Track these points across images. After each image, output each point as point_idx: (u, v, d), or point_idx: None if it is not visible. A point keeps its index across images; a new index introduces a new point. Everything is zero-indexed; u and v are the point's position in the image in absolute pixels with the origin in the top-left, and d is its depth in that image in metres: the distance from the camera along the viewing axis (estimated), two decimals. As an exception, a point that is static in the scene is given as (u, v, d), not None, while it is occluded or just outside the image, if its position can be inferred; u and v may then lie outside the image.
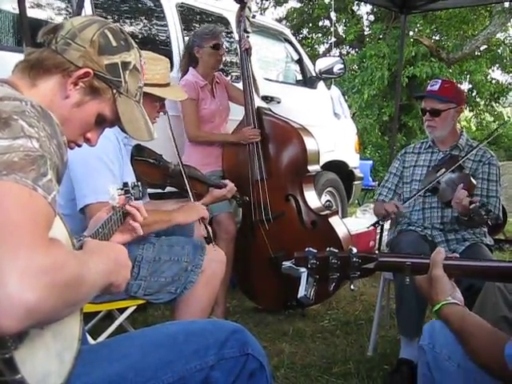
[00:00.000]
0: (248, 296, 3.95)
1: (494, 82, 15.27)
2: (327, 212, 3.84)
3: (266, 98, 4.57)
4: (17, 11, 3.13)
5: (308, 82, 5.49)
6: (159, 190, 2.94)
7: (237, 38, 3.93)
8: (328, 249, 1.43)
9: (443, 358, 1.50)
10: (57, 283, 0.91)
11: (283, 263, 1.44)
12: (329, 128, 5.44)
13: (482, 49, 14.60)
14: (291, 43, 5.56)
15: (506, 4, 12.20)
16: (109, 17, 3.70)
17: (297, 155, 3.72)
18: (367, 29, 16.19)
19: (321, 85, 5.60)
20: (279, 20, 15.94)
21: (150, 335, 1.46)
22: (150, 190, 2.89)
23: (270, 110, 3.91)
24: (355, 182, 6.04)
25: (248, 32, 3.75)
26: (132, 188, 1.58)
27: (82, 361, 1.23)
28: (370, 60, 13.29)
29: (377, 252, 1.48)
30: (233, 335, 1.45)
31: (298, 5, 17.00)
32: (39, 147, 1.04)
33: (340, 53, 16.23)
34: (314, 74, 5.34)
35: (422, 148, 3.30)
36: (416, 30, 14.17)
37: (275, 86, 5.01)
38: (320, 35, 16.94)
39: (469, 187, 2.88)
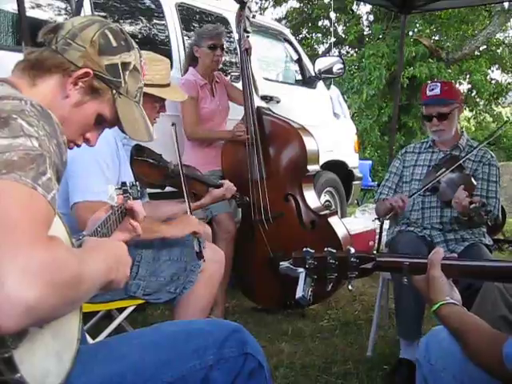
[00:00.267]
0: (247, 296, 3.96)
1: (493, 82, 15.27)
2: (326, 212, 3.84)
3: (265, 98, 4.57)
4: (16, 11, 3.13)
5: (307, 81, 5.49)
6: (159, 190, 2.94)
7: (237, 37, 3.93)
8: (326, 249, 1.43)
9: (438, 369, 1.50)
10: (56, 281, 0.91)
11: (281, 263, 1.44)
12: (328, 128, 5.44)
13: (481, 49, 14.61)
14: (291, 43, 5.56)
15: (506, 4, 12.21)
16: (108, 17, 3.70)
17: (296, 155, 3.73)
18: (367, 29, 16.20)
19: (320, 85, 5.60)
20: (279, 20, 15.93)
21: (149, 335, 1.47)
22: (149, 190, 2.89)
23: (270, 110, 3.91)
24: (354, 182, 6.04)
25: (248, 32, 3.75)
26: (130, 187, 1.58)
27: (81, 360, 1.24)
28: (368, 59, 13.29)
29: (375, 252, 1.49)
30: (232, 335, 1.45)
31: (298, 5, 17.02)
32: (39, 146, 1.04)
33: (339, 53, 16.24)
34: (314, 74, 5.34)
35: (422, 148, 3.30)
36: (416, 30, 14.17)
37: (275, 86, 5.02)
38: (319, 35, 16.94)
39: (469, 187, 2.88)
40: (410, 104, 13.27)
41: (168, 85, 2.57)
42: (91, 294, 1.07)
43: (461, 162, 3.05)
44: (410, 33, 13.68)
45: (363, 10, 16.79)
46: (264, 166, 3.67)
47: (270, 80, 5.10)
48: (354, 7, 15.66)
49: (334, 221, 3.74)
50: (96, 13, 3.52)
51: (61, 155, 1.13)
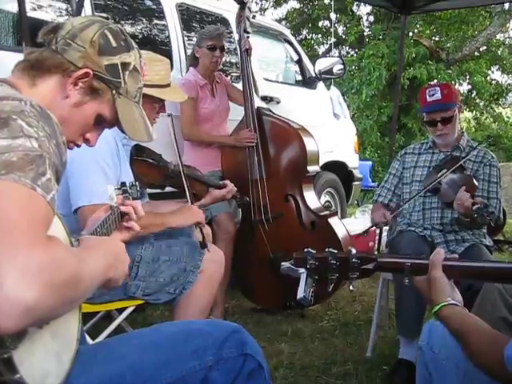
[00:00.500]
0: (247, 296, 3.95)
1: (493, 83, 15.27)
2: (326, 212, 3.84)
3: (265, 99, 4.57)
4: (17, 11, 3.13)
5: (307, 82, 5.49)
6: (159, 191, 2.94)
7: (237, 38, 3.93)
8: (327, 249, 1.43)
9: (441, 358, 1.51)
10: (55, 281, 0.91)
11: (282, 264, 1.44)
12: (328, 128, 5.44)
13: (481, 50, 14.61)
14: (291, 43, 5.56)
15: (506, 5, 12.22)
16: (109, 17, 3.70)
17: (296, 155, 3.73)
18: (367, 29, 16.20)
19: (320, 85, 5.60)
20: (279, 20, 15.93)
21: (148, 335, 1.47)
22: (149, 190, 2.89)
23: (270, 111, 3.91)
24: (354, 183, 6.04)
25: (248, 32, 3.75)
26: (130, 188, 1.58)
27: (81, 361, 1.24)
28: (368, 60, 13.30)
29: (376, 253, 1.49)
30: (231, 335, 1.45)
31: (298, 5, 17.02)
32: (38, 147, 1.04)
33: (339, 53, 16.24)
34: (314, 75, 5.34)
35: (422, 149, 3.29)
36: (416, 30, 14.18)
37: (275, 87, 5.02)
38: (320, 36, 16.94)
39: (470, 188, 2.88)
40: (409, 105, 13.28)
41: (168, 85, 2.56)
42: (90, 292, 1.07)
43: (461, 162, 3.04)
44: (410, 33, 13.69)
45: (363, 10, 16.80)
46: (264, 167, 3.67)
47: (270, 80, 5.10)
48: (355, 8, 15.67)
49: (334, 221, 3.74)
50: (96, 13, 3.52)
51: (60, 156, 1.12)
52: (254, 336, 1.53)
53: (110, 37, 1.35)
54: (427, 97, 3.09)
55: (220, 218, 3.67)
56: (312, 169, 3.81)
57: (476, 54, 14.45)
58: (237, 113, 3.88)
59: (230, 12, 4.47)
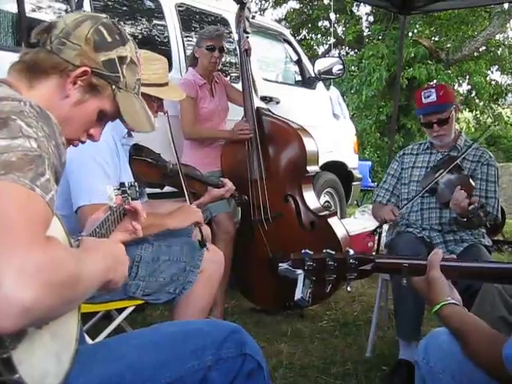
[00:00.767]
0: (246, 296, 3.96)
1: (493, 83, 15.27)
2: (326, 213, 3.85)
3: (264, 99, 4.57)
4: (16, 11, 3.13)
5: (307, 82, 5.49)
6: (159, 190, 2.94)
7: (236, 38, 3.93)
8: (324, 250, 1.43)
9: (437, 371, 1.51)
10: (54, 281, 0.91)
11: (280, 265, 1.44)
12: (328, 129, 5.44)
13: (481, 50, 14.61)
14: (290, 44, 5.56)
15: (506, 5, 12.21)
16: (108, 17, 3.69)
17: (296, 156, 3.73)
18: (366, 30, 16.21)
19: (320, 85, 5.60)
20: (278, 21, 15.93)
21: (147, 335, 1.47)
22: (148, 190, 2.89)
23: (269, 111, 3.91)
24: (354, 183, 6.04)
25: (247, 32, 3.75)
26: (129, 188, 1.58)
27: (80, 361, 1.24)
28: (368, 60, 13.30)
29: (374, 253, 1.49)
30: (231, 335, 1.45)
31: (298, 5, 17.01)
32: (37, 147, 1.04)
33: (339, 53, 16.24)
34: (313, 75, 5.34)
35: (420, 149, 3.30)
36: (415, 30, 14.17)
37: (274, 87, 5.02)
38: (319, 36, 16.94)
39: (468, 189, 2.88)
40: (409, 105, 13.26)
41: (166, 84, 2.56)
42: (89, 293, 1.07)
43: (457, 161, 3.05)
44: (410, 34, 13.68)
45: (363, 10, 16.82)
46: (263, 167, 3.67)
47: (269, 81, 5.10)
48: (354, 8, 15.67)
49: (333, 221, 3.74)
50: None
51: (59, 156, 1.12)
52: (253, 336, 1.54)
53: (105, 32, 1.35)
54: (423, 99, 3.10)
55: (219, 218, 3.67)
56: (311, 169, 3.81)
57: (475, 54, 14.45)
58: (236, 113, 3.88)
59: (229, 12, 4.47)
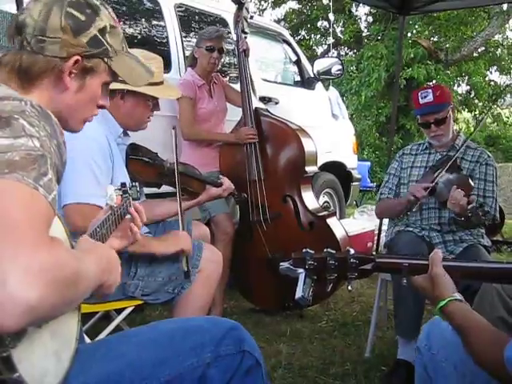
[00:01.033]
0: (245, 297, 3.96)
1: (492, 83, 15.29)
2: (325, 213, 3.84)
3: (263, 99, 4.57)
4: (16, 12, 3.13)
5: (306, 82, 5.49)
6: (159, 191, 2.93)
7: (235, 38, 3.93)
8: (325, 250, 1.44)
9: (440, 359, 1.51)
10: (57, 282, 0.91)
11: (281, 264, 1.45)
12: (327, 129, 5.44)
13: (480, 50, 14.63)
14: (289, 44, 5.56)
15: (505, 6, 12.23)
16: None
17: (294, 156, 3.73)
18: (366, 30, 16.21)
19: (319, 86, 5.60)
20: (277, 21, 15.96)
21: (146, 333, 1.47)
22: (149, 190, 2.89)
23: (268, 111, 3.91)
24: (353, 183, 6.03)
25: (246, 33, 3.75)
26: (130, 188, 1.58)
27: (80, 359, 1.24)
28: (367, 61, 13.31)
29: (374, 253, 1.49)
30: (229, 332, 1.45)
31: (297, 6, 17.03)
32: (40, 146, 1.05)
33: (338, 54, 16.25)
34: (312, 75, 5.34)
35: (418, 149, 3.30)
36: (414, 31, 14.19)
37: (273, 87, 5.02)
38: (318, 36, 16.96)
39: (466, 188, 2.88)
40: (408, 105, 13.28)
41: (161, 83, 2.55)
42: (87, 294, 1.08)
43: (454, 159, 3.05)
44: (409, 34, 13.70)
45: (362, 11, 16.83)
46: (262, 167, 3.67)
47: (268, 81, 5.10)
48: (353, 8, 15.68)
49: (332, 222, 3.74)
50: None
51: (61, 156, 1.13)
52: (252, 336, 1.54)
53: (75, 12, 1.29)
54: (420, 99, 3.12)
55: (218, 219, 3.67)
56: (310, 169, 3.81)
57: (474, 54, 14.47)
58: (234, 113, 3.88)
59: (228, 13, 4.46)
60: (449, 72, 13.78)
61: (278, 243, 3.59)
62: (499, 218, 3.17)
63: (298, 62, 5.56)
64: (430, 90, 3.11)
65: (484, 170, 3.10)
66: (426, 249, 2.88)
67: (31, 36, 1.26)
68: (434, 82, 12.83)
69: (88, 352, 1.34)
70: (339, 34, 16.19)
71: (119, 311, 2.50)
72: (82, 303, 1.25)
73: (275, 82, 5.38)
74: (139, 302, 2.44)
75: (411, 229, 3.11)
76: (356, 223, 5.47)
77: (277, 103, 4.79)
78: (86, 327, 2.58)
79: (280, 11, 23.47)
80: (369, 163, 11.78)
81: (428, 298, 1.52)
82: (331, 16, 14.71)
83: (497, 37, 14.79)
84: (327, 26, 15.89)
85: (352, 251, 1.44)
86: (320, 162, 4.41)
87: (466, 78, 14.58)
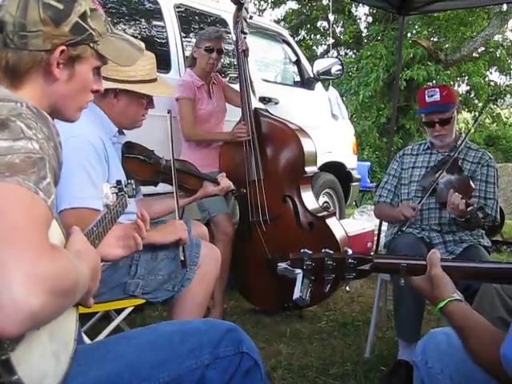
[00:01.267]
0: (245, 297, 3.95)
1: (491, 83, 15.28)
2: (324, 213, 3.84)
3: (263, 99, 4.57)
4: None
5: (306, 83, 5.49)
6: (158, 190, 2.92)
7: (234, 39, 3.93)
8: (323, 250, 1.43)
9: (436, 372, 1.51)
10: (58, 289, 0.92)
11: (279, 264, 1.44)
12: (326, 129, 5.44)
13: (479, 51, 14.62)
14: (289, 44, 5.56)
15: (504, 6, 12.23)
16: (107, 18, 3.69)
17: (294, 156, 3.72)
18: (365, 30, 16.21)
19: (319, 86, 5.60)
20: (277, 21, 15.95)
21: (145, 335, 1.47)
22: (145, 190, 2.89)
23: (268, 112, 3.91)
24: (353, 184, 6.03)
25: (245, 33, 3.74)
26: (125, 186, 1.58)
27: (78, 361, 1.24)
28: (366, 61, 13.30)
29: (372, 253, 1.49)
30: (227, 334, 1.45)
31: (296, 6, 17.01)
32: (39, 149, 1.04)
33: (338, 54, 16.25)
34: (312, 76, 5.34)
35: (420, 150, 3.30)
36: (414, 31, 14.19)
37: (273, 87, 5.02)
38: (318, 36, 16.96)
39: (467, 190, 2.88)
40: (407, 106, 13.29)
41: (154, 80, 2.53)
42: (79, 298, 1.09)
43: (453, 158, 3.05)
44: (409, 34, 13.69)
45: (361, 11, 16.84)
46: (262, 168, 3.66)
47: (268, 81, 5.10)
48: (353, 9, 15.68)
49: (332, 222, 3.74)
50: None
51: (57, 158, 1.12)
52: (252, 337, 1.54)
53: (53, 2, 1.27)
54: (426, 98, 3.11)
55: (218, 219, 3.67)
56: (310, 169, 3.81)
57: (474, 55, 14.46)
58: (234, 114, 3.88)
59: (228, 13, 4.46)
60: (448, 72, 13.77)
61: (277, 243, 3.58)
62: (499, 220, 3.17)
63: (297, 63, 5.56)
64: (437, 89, 3.11)
65: (485, 171, 3.10)
66: (425, 250, 2.87)
67: (13, 33, 1.24)
68: (433, 82, 12.82)
69: (87, 353, 1.34)
70: (339, 35, 16.19)
71: (119, 311, 2.50)
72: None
73: (275, 83, 5.38)
74: (139, 302, 2.44)
75: (411, 229, 3.10)
76: (356, 223, 5.47)
77: (276, 103, 4.79)
78: (85, 327, 2.58)
79: (280, 11, 23.57)
80: (369, 163, 11.78)
81: (428, 299, 1.51)
82: (331, 16, 14.72)
83: (496, 37, 14.78)
84: (327, 26, 15.91)
85: (350, 251, 1.44)
86: (320, 163, 4.41)
87: (466, 78, 14.57)
